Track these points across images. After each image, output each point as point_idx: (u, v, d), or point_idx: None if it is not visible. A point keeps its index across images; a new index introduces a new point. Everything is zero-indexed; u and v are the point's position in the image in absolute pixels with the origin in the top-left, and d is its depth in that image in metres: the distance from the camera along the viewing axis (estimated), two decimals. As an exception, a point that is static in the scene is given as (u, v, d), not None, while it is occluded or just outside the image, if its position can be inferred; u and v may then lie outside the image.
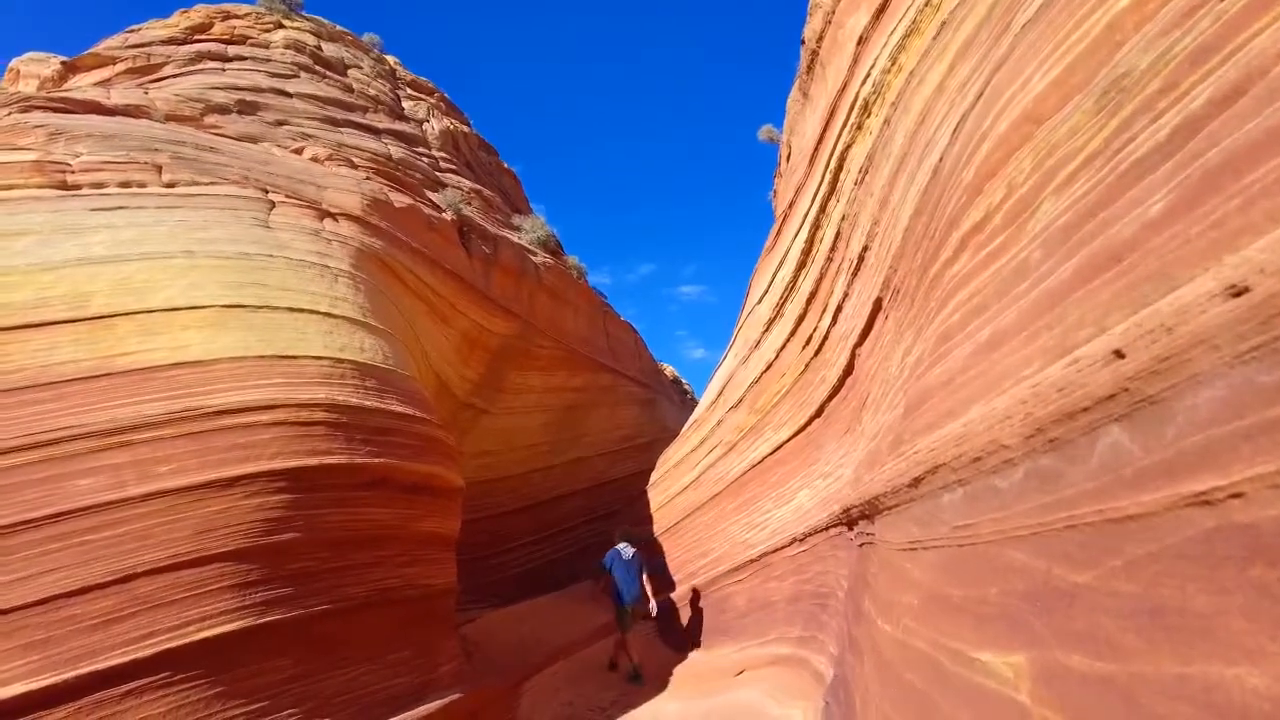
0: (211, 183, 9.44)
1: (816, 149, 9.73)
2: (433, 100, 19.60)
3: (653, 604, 9.26)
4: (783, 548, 7.86)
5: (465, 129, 20.04)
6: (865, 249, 5.37)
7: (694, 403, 28.09)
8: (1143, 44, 1.55)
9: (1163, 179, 1.21)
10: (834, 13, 11.09)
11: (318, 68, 16.00)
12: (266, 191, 9.82)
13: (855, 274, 5.77)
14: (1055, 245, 1.57)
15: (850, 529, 3.66)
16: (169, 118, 11.56)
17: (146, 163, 9.22)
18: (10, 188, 8.04)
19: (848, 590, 4.23)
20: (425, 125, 17.70)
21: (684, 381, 31.82)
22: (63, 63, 14.06)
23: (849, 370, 6.04)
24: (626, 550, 9.42)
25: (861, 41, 8.13)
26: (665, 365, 30.28)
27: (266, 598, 5.14)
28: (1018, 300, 1.66)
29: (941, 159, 2.99)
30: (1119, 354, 1.13)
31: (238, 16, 16.04)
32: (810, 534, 6.86)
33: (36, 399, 5.40)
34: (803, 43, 13.20)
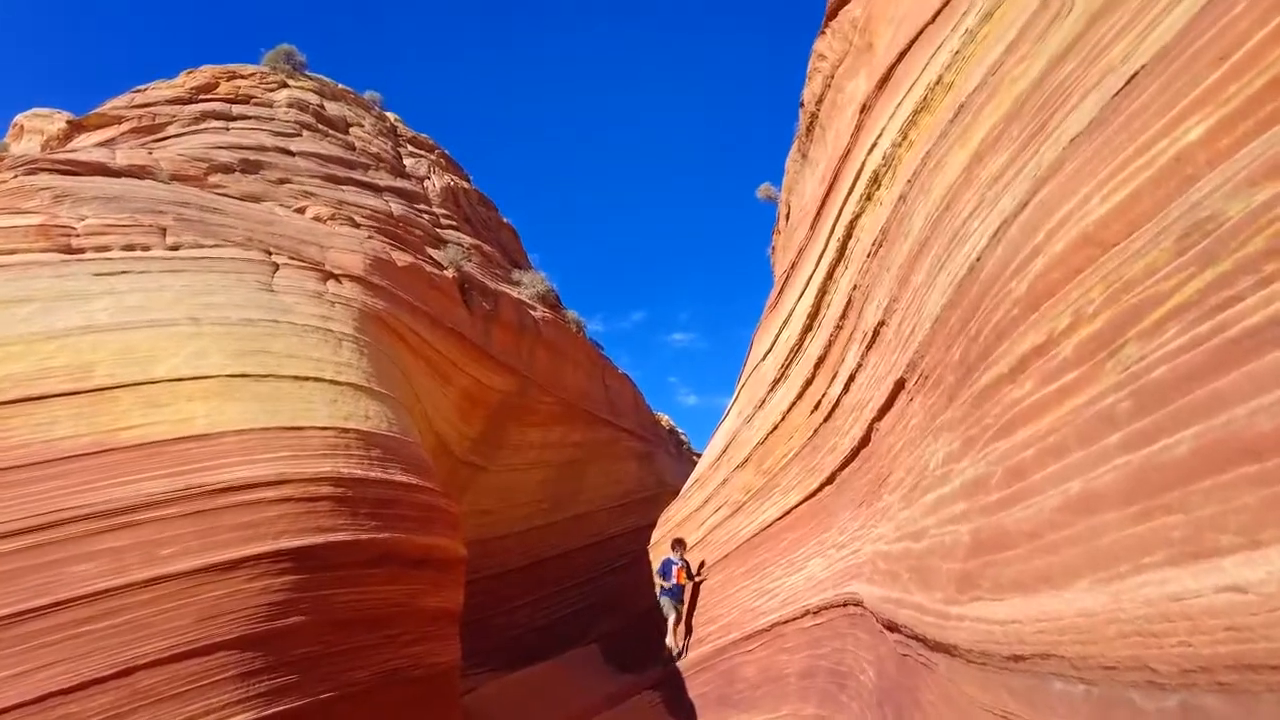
0: (215, 245, 9.42)
1: (819, 212, 9.80)
2: (433, 157, 19.79)
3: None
4: (795, 619, 7.66)
5: (465, 185, 20.22)
6: (882, 324, 5.35)
7: (691, 453, 27.85)
8: (1227, 188, 1.52)
9: (1297, 365, 1.15)
10: (833, 77, 11.29)
11: (320, 126, 16.17)
12: (270, 253, 9.80)
13: (870, 346, 5.74)
14: (1152, 403, 1.51)
15: (889, 631, 3.54)
16: (173, 177, 11.59)
17: (151, 225, 9.20)
18: (13, 252, 7.98)
19: (878, 686, 4.08)
20: (426, 182, 17.84)
21: (680, 431, 31.62)
22: (69, 121, 14.18)
23: (865, 442, 5.96)
24: (674, 555, 11.25)
25: (865, 109, 8.24)
26: (661, 414, 30.08)
27: (272, 687, 4.95)
28: (1111, 458, 1.60)
29: (980, 259, 2.97)
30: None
31: (243, 76, 16.24)
32: (826, 608, 6.69)
33: (36, 477, 5.25)
34: (801, 105, 13.41)
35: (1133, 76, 2.08)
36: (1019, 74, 3.61)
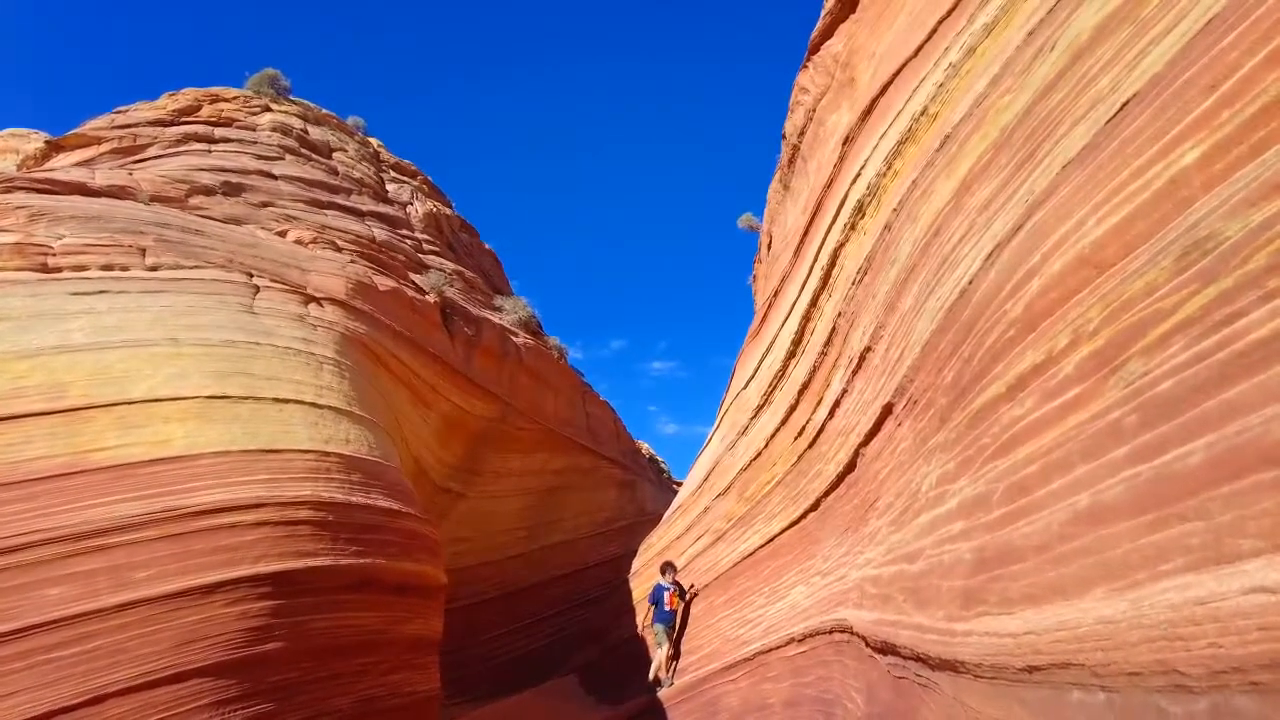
0: (196, 266, 9.32)
1: (802, 241, 9.91)
2: (416, 183, 19.81)
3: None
4: (778, 647, 7.60)
5: (448, 211, 20.23)
6: (868, 349, 5.40)
7: (671, 482, 27.74)
8: (1224, 209, 1.56)
9: (1306, 373, 1.18)
10: (815, 110, 11.50)
11: (303, 150, 16.13)
12: (251, 275, 9.71)
13: (856, 372, 5.78)
14: (1159, 417, 1.54)
15: (882, 655, 3.52)
16: (154, 198, 11.48)
17: (130, 245, 9.08)
18: (-12, 271, 7.84)
19: (868, 713, 4.05)
20: (409, 207, 17.83)
21: (660, 460, 31.51)
22: (47, 141, 14.03)
23: (850, 467, 5.97)
24: (664, 580, 11.02)
25: (848, 141, 8.39)
26: (641, 442, 29.97)
27: (248, 715, 4.80)
28: (1120, 470, 1.62)
29: (972, 283, 3.02)
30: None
31: (226, 100, 16.20)
32: (810, 635, 6.65)
33: (6, 499, 5.10)
34: (784, 137, 13.64)
35: (1124, 105, 2.14)
36: (1004, 105, 3.71)
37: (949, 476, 2.82)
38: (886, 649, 3.30)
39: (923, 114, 5.43)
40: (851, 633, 4.70)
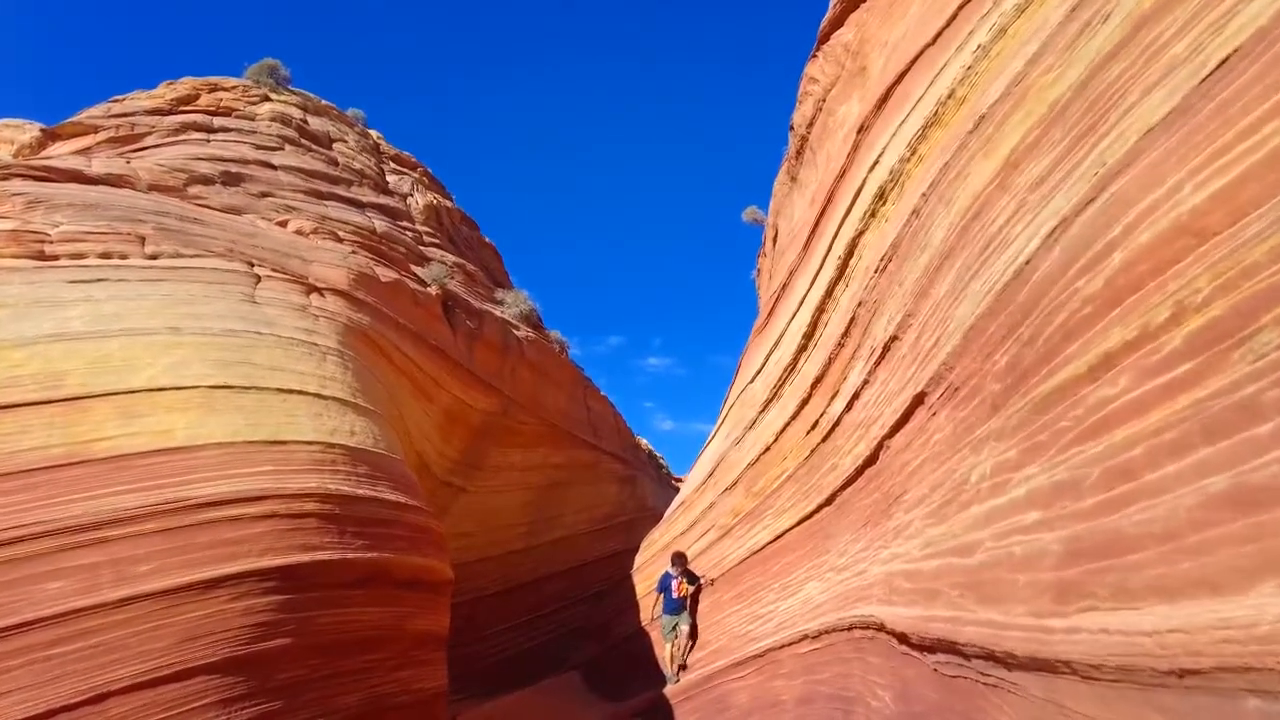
0: (196, 255, 9.13)
1: (813, 233, 9.77)
2: (416, 175, 19.60)
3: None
4: (791, 644, 7.47)
5: (448, 203, 20.04)
6: (894, 338, 5.25)
7: (670, 478, 27.60)
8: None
9: None
10: (825, 100, 11.36)
11: (303, 141, 15.92)
12: (252, 265, 9.53)
13: (879, 362, 5.63)
14: None
15: (929, 653, 3.37)
16: (152, 187, 11.28)
17: (129, 233, 8.89)
18: (-17, 258, 7.65)
19: (902, 711, 3.91)
20: (409, 199, 17.64)
21: (659, 456, 31.37)
22: (42, 130, 13.80)
23: (871, 460, 5.83)
24: (673, 569, 10.72)
25: (862, 129, 8.24)
26: (640, 438, 29.85)
27: (255, 714, 4.64)
28: (1268, 449, 1.48)
29: (1029, 262, 2.87)
30: None
31: (225, 89, 15.97)
32: (826, 631, 6.51)
33: (2, 490, 4.93)
34: (791, 128, 13.47)
35: (1222, 63, 2.00)
36: (1049, 82, 3.56)
37: (1010, 465, 2.67)
38: (939, 646, 3.16)
39: (950, 97, 5.28)
40: (881, 629, 4.56)
